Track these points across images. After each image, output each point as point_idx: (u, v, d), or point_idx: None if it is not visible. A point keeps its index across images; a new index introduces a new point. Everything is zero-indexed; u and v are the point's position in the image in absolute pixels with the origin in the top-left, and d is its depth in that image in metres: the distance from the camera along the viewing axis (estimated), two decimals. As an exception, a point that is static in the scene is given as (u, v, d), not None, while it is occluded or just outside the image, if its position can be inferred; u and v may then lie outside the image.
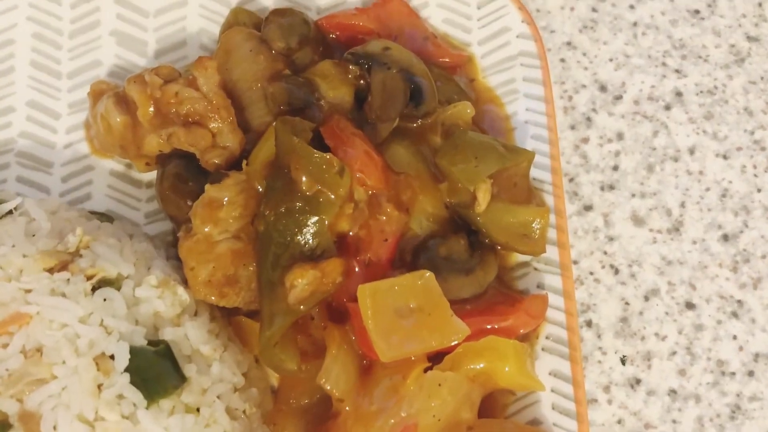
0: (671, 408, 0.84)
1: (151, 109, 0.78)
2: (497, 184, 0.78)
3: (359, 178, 0.72)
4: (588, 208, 0.91)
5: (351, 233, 0.73)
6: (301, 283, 0.68)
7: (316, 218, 0.70)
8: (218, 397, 0.71)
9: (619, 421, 0.84)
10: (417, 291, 0.70)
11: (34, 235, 0.73)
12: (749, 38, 0.98)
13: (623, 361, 0.86)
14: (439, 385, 0.70)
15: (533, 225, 0.78)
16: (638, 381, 0.85)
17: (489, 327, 0.73)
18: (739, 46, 0.98)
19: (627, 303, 0.88)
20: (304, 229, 0.70)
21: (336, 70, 0.79)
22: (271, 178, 0.72)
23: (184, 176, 0.79)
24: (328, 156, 0.68)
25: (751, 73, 0.97)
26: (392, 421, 0.69)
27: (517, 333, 0.74)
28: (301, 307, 0.69)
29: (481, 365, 0.72)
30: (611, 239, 0.90)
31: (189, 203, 0.78)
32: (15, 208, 0.76)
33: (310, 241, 0.70)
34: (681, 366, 0.86)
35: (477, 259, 0.76)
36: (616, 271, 0.89)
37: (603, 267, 0.89)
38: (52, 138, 0.87)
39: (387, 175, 0.74)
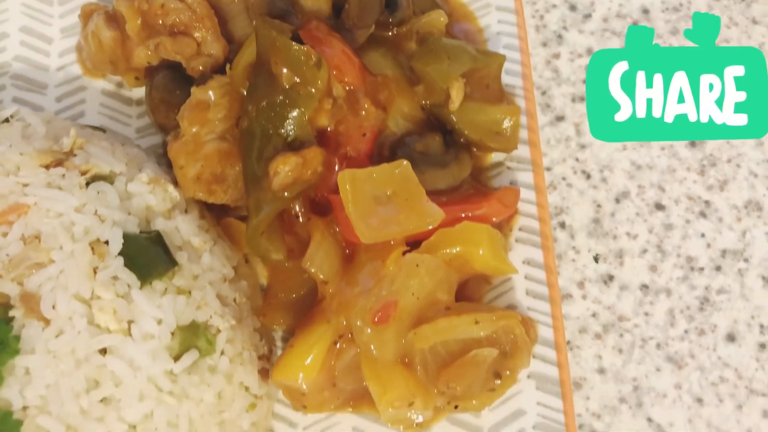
0: (643, 301, 0.88)
1: (139, 21, 0.82)
2: (470, 84, 0.82)
3: (337, 74, 0.76)
4: (560, 118, 0.95)
5: (330, 128, 0.77)
6: (284, 169, 0.72)
7: (296, 111, 0.74)
8: (209, 283, 0.75)
9: (593, 315, 0.88)
10: (394, 178, 0.74)
11: (30, 138, 0.77)
12: (713, -41, 1.03)
13: (596, 259, 0.90)
14: (417, 265, 0.74)
15: (505, 123, 0.82)
16: (611, 277, 0.89)
17: (464, 215, 0.78)
18: (704, -34, 1.03)
19: (599, 205, 0.92)
20: (285, 122, 0.74)
21: (314, -19, 0.83)
22: (253, 76, 0.76)
23: (171, 86, 0.83)
24: (305, 48, 0.72)
25: (715, -10, 1.01)
26: (374, 299, 0.73)
27: (490, 221, 0.78)
28: (285, 194, 0.73)
29: (457, 249, 0.76)
30: (583, 147, 0.94)
31: (177, 111, 0.82)
32: (11, 116, 0.80)
33: (291, 133, 0.74)
34: (652, 263, 0.90)
35: (452, 155, 0.80)
36: (588, 176, 0.93)
37: (575, 173, 0.93)
38: (46, 61, 0.91)
39: (364, 74, 0.78)
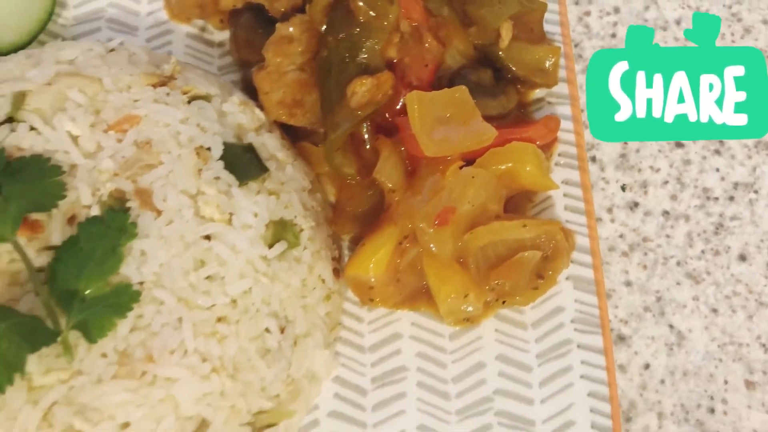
0: (665, 225, 0.99)
1: (227, -31, 0.94)
2: (516, 27, 0.93)
3: (404, 12, 0.87)
4: (591, 67, 1.07)
5: (397, 59, 0.88)
6: (361, 90, 0.83)
7: (370, 42, 0.85)
8: (293, 190, 0.86)
9: (621, 236, 0.99)
10: (454, 102, 0.85)
11: (135, 63, 0.88)
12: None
13: (623, 188, 1.01)
14: (473, 177, 0.85)
15: (547, 61, 0.94)
16: (636, 204, 1.00)
17: (512, 137, 0.89)
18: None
19: (625, 143, 1.03)
20: (360, 51, 0.85)
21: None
22: (331, 13, 0.87)
23: (254, 25, 0.94)
24: (383, -15, 0.84)
25: (728, -41, 1.13)
26: (435, 205, 0.84)
27: (535, 143, 0.90)
28: (360, 112, 0.85)
29: (507, 165, 0.87)
30: (611, 92, 1.06)
31: (258, 48, 0.93)
32: (117, 47, 0.91)
33: (365, 61, 0.85)
34: (672, 192, 1.01)
35: (501, 87, 0.92)
36: (616, 117, 1.05)
37: (605, 114, 1.05)
38: (136, 7, 1.02)
39: (426, 14, 0.90)
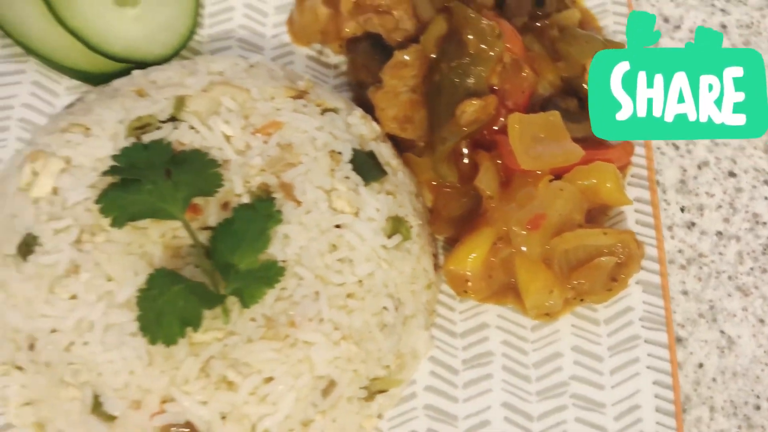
0: (718, 244, 1.12)
1: (352, 1, 1.09)
2: (598, 64, 1.08)
3: (506, 46, 1.01)
4: (656, 103, 1.21)
5: (498, 86, 1.02)
6: (470, 109, 0.97)
7: (478, 69, 0.99)
8: (405, 192, 1.00)
9: (679, 251, 1.12)
10: (548, 124, 0.99)
11: (274, 78, 1.03)
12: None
13: (682, 210, 1.14)
14: (561, 189, 0.98)
15: (624, 95, 1.08)
16: (693, 224, 1.13)
17: (595, 158, 1.02)
18: (770, -6, 1.29)
19: (684, 170, 1.17)
20: (469, 77, 0.99)
21: (482, -20, 1.10)
22: (445, 43, 1.01)
23: (372, 52, 1.09)
24: (492, 23, 0.98)
25: (778, 14, 1.28)
26: (528, 211, 0.98)
27: (613, 164, 1.03)
28: (465, 128, 0.99)
29: (590, 182, 1.01)
30: (673, 125, 1.20)
31: (374, 71, 1.08)
32: (254, 65, 1.06)
33: (472, 86, 0.99)
34: (725, 216, 1.14)
35: (585, 115, 1.05)
36: (677, 147, 1.18)
37: (667, 144, 1.18)
38: (262, 30, 1.18)
39: (524, 48, 1.04)
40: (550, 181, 1.00)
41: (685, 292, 1.09)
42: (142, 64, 1.07)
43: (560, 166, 0.99)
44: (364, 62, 1.09)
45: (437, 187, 1.07)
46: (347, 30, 1.09)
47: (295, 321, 0.86)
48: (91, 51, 1.08)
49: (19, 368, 0.88)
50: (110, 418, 0.84)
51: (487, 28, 0.98)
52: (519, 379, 0.99)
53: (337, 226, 0.91)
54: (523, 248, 0.97)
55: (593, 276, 0.99)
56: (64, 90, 1.10)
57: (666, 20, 1.27)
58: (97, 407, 0.84)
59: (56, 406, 0.87)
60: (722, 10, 1.28)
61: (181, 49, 1.13)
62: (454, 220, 1.06)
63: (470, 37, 0.99)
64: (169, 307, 0.81)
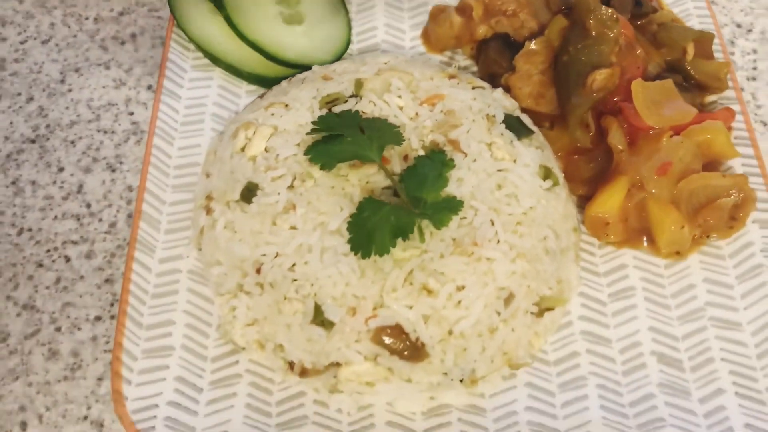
0: (815, 199, 1.27)
1: (482, 9, 1.31)
2: (695, 48, 1.27)
3: (622, 31, 1.22)
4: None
5: (617, 64, 1.21)
6: (600, 77, 1.16)
7: (601, 47, 1.19)
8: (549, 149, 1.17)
9: (781, 205, 1.26)
10: (663, 89, 1.18)
11: (429, 64, 1.23)
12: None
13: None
14: (681, 141, 1.16)
15: (721, 72, 1.27)
16: (790, 183, 1.29)
17: (705, 118, 1.20)
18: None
19: (775, 141, 1.34)
20: (594, 55, 1.19)
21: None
22: (568, 32, 1.22)
23: (501, 48, 1.30)
24: (610, 10, 1.19)
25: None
26: (656, 160, 1.14)
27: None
28: (595, 95, 1.17)
29: (704, 137, 1.18)
30: (759, 107, 1.38)
31: (503, 63, 1.28)
32: (410, 59, 1.26)
33: (597, 61, 1.19)
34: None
35: (689, 87, 1.25)
36: (765, 124, 1.35)
37: (755, 122, 1.35)
38: (402, 42, 1.39)
39: (635, 34, 1.24)
40: (671, 137, 1.17)
41: (792, 239, 1.23)
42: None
43: (678, 123, 1.17)
44: (495, 57, 1.30)
45: (567, 155, 1.24)
46: (479, 34, 1.31)
47: (477, 241, 1.02)
48: (267, 59, 1.29)
49: (246, 293, 1.03)
50: (329, 325, 0.99)
51: (605, 14, 1.19)
52: (660, 307, 1.13)
53: (500, 170, 1.09)
54: (654, 191, 1.14)
55: (716, 215, 1.15)
56: (245, 92, 1.31)
57: (738, 25, 1.48)
58: (318, 316, 0.99)
59: (278, 321, 1.01)
60: (786, 16, 1.50)
61: (338, 60, 1.34)
62: (586, 181, 1.23)
63: (592, 22, 1.20)
64: (381, 224, 0.98)
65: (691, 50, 1.26)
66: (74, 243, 1.20)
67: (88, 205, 1.24)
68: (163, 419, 0.99)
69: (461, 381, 1.03)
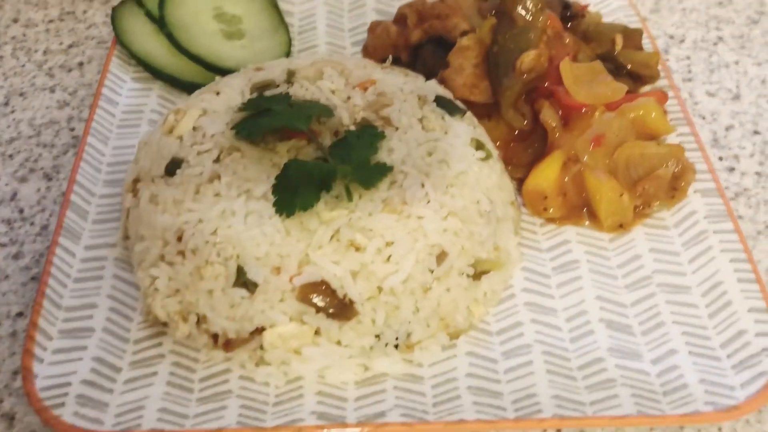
0: (759, 181, 1.26)
1: (416, 17, 1.35)
2: (624, 40, 1.30)
3: (549, 23, 1.25)
4: (677, 88, 1.42)
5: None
6: (527, 59, 1.18)
7: (529, 34, 1.22)
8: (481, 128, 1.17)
9: (726, 188, 1.25)
10: (592, 70, 1.21)
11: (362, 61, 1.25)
12: None
13: (720, 159, 1.29)
14: (614, 116, 1.16)
15: (650, 61, 1.29)
16: (733, 168, 1.28)
17: (637, 96, 1.21)
18: None
19: (714, 131, 1.34)
20: (522, 41, 1.21)
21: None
22: (498, 23, 1.25)
23: (435, 49, 1.32)
24: (536, 0, 1.23)
25: None
26: (589, 134, 1.14)
27: (653, 102, 1.22)
28: (525, 76, 1.18)
29: (637, 113, 1.18)
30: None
31: (439, 61, 1.31)
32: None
33: (526, 47, 1.21)
34: (760, 161, 1.29)
35: (621, 76, 1.27)
36: (703, 117, 1.36)
37: (694, 116, 1.37)
38: (344, 53, 1.43)
39: (562, 25, 1.28)
40: (603, 113, 1.18)
41: (740, 217, 1.21)
42: (249, 76, 1.30)
43: (609, 100, 1.18)
44: (430, 58, 1.33)
45: (505, 144, 1.24)
46: (413, 37, 1.34)
47: (406, 200, 0.99)
48: (206, 69, 1.32)
49: (168, 263, 0.99)
50: (253, 286, 0.94)
51: (531, 3, 1.23)
52: (606, 277, 1.08)
53: (432, 140, 1.08)
54: (590, 162, 1.13)
55: (655, 184, 1.13)
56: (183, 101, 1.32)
57: (671, 37, 1.53)
58: (240, 277, 0.94)
59: (200, 288, 0.96)
60: (716, 28, 1.55)
61: (278, 70, 1.37)
62: (524, 165, 1.22)
63: (518, 11, 1.23)
64: (305, 178, 0.95)
65: (619, 41, 1.29)
66: (2, 245, 1.17)
67: (21, 211, 1.21)
68: (75, 396, 0.92)
69: (396, 347, 0.97)
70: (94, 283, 1.05)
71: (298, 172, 0.96)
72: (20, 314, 1.08)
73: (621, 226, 1.13)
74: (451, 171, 1.05)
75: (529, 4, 1.23)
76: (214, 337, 0.97)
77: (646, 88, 1.31)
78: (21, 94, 1.41)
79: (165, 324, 1.00)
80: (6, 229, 1.19)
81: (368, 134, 1.06)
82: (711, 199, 1.14)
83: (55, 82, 1.43)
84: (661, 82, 1.31)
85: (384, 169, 1.01)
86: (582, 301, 1.06)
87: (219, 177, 1.01)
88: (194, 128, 1.09)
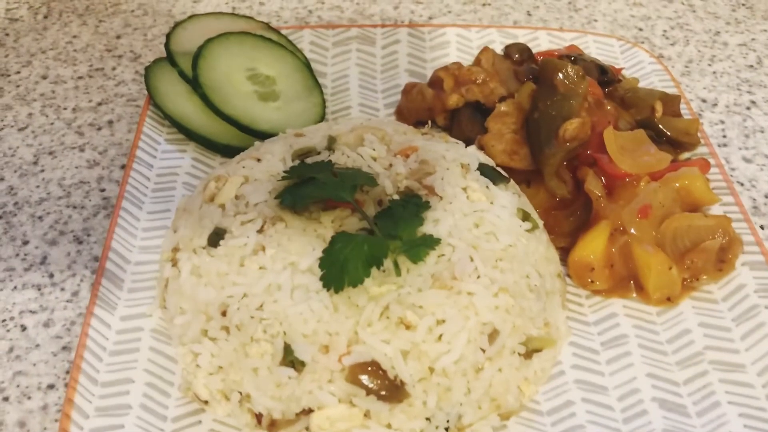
0: (803, 250, 1.24)
1: (452, 81, 1.34)
2: (663, 108, 1.29)
3: (590, 90, 1.24)
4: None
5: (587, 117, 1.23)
6: (571, 127, 1.17)
7: (570, 102, 1.20)
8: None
9: None
10: (636, 138, 1.19)
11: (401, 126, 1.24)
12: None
13: (762, 228, 1.27)
14: (660, 186, 1.14)
15: (691, 128, 1.28)
16: (776, 236, 1.26)
17: (680, 165, 1.19)
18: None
19: (754, 199, 1.32)
20: (563, 109, 1.20)
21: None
22: (539, 88, 1.24)
23: (473, 114, 1.31)
24: (577, 67, 1.22)
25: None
26: (635, 204, 1.12)
27: (696, 171, 1.20)
28: (568, 144, 1.17)
29: (682, 183, 1.16)
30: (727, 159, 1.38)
31: (476, 128, 1.29)
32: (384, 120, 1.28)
33: (567, 114, 1.20)
34: (802, 229, 1.27)
35: (661, 143, 1.25)
36: (741, 184, 1.35)
37: (733, 183, 1.35)
38: (378, 114, 1.42)
39: (602, 93, 1.27)
40: (648, 183, 1.16)
41: (786, 287, 1.19)
42: (284, 139, 1.28)
43: (653, 169, 1.17)
44: (468, 123, 1.31)
45: (546, 211, 1.22)
46: (451, 102, 1.33)
47: (456, 275, 0.96)
48: (241, 131, 1.30)
49: (211, 339, 0.96)
50: (301, 365, 0.91)
51: (572, 71, 1.22)
52: (656, 353, 1.05)
53: (477, 211, 1.06)
54: (637, 233, 1.10)
55: (703, 257, 1.11)
56: (218, 164, 1.30)
57: (704, 101, 1.53)
58: (287, 356, 0.91)
59: (244, 366, 0.93)
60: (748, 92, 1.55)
61: (313, 132, 1.35)
62: (567, 234, 1.19)
63: (559, 79, 1.22)
64: (353, 254, 0.93)
65: (659, 107, 1.28)
66: (32, 312, 1.13)
67: (51, 275, 1.19)
68: (113, 479, 0.89)
69: (446, 430, 0.93)
70: (130, 356, 1.02)
71: (347, 247, 0.94)
72: (51, 386, 1.04)
73: (669, 300, 1.11)
74: (500, 244, 1.02)
75: (571, 72, 1.23)
76: (258, 416, 0.94)
77: (686, 155, 1.30)
78: (50, 153, 1.39)
79: (206, 402, 0.96)
80: (36, 295, 1.16)
81: (413, 204, 1.04)
82: (760, 272, 1.12)
83: (84, 141, 1.41)
84: (700, 149, 1.30)
85: (432, 242, 0.99)
86: (633, 379, 1.03)
87: (263, 249, 0.99)
88: (236, 197, 1.07)
